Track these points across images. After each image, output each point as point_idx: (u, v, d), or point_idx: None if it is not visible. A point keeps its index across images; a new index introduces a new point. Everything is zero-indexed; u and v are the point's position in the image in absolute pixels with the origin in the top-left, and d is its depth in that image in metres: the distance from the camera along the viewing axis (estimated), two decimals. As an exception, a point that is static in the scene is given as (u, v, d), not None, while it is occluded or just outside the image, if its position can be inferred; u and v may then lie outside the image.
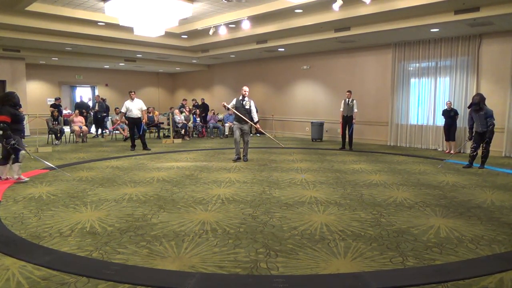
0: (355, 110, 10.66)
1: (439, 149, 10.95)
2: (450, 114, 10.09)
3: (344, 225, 4.22)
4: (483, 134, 7.73)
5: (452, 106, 10.20)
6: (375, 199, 5.36)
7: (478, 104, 7.66)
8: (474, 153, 7.91)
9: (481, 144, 7.86)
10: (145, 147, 10.63)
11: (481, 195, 5.69)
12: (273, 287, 2.84)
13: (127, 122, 10.95)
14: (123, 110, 10.47)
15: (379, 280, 2.97)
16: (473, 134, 7.92)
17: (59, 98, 14.23)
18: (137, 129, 10.50)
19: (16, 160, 6.30)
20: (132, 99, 10.38)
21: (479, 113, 7.67)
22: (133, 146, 10.70)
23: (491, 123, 7.60)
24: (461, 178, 6.96)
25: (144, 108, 10.71)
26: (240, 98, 8.66)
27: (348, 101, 10.63)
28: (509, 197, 5.56)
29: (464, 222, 4.36)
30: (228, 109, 8.85)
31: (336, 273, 3.08)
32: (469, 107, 7.94)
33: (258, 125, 8.96)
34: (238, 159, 8.77)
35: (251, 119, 8.64)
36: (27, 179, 6.48)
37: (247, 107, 8.59)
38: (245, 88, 8.73)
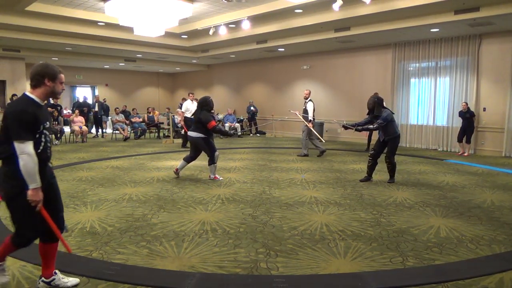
0: None
1: (439, 149, 10.95)
2: (465, 116, 9.74)
3: (344, 225, 4.22)
4: (384, 143, 6.46)
5: (467, 107, 9.76)
6: (375, 199, 5.36)
7: (372, 111, 6.40)
8: (370, 163, 6.54)
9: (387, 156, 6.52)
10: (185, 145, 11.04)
11: (481, 195, 5.69)
12: (273, 287, 2.85)
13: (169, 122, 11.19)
14: (183, 109, 10.93)
15: (379, 280, 2.97)
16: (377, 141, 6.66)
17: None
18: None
19: (212, 161, 6.60)
20: (192, 101, 10.94)
21: (378, 121, 6.32)
22: (185, 144, 11.03)
23: (377, 123, 6.28)
24: (461, 178, 6.96)
25: None
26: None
27: None
28: (509, 197, 5.56)
29: (464, 222, 4.36)
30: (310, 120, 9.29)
31: (336, 273, 3.08)
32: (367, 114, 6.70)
33: (310, 124, 9.18)
34: (323, 151, 9.51)
35: (307, 118, 9.25)
36: (221, 178, 6.75)
37: (304, 107, 9.38)
38: (305, 91, 9.55)
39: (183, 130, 11.32)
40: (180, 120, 12.38)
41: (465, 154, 9.95)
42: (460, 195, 5.65)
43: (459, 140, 10.05)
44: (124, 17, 9.16)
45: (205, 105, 6.50)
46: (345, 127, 7.08)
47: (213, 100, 6.68)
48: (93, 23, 10.94)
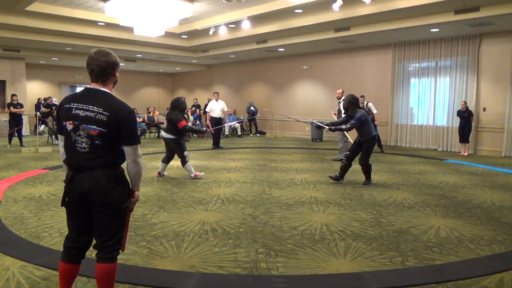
0: (375, 111, 10.14)
1: (439, 149, 10.94)
2: (463, 115, 9.67)
3: (344, 225, 4.22)
4: (360, 145, 6.22)
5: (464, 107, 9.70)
6: (375, 199, 5.36)
7: (347, 111, 6.27)
8: (344, 164, 6.27)
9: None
10: (217, 145, 11.02)
11: (481, 195, 5.69)
12: (273, 287, 2.85)
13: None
14: (208, 109, 11.11)
15: (379, 280, 2.97)
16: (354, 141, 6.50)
17: (50, 97, 14.47)
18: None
19: (184, 162, 6.61)
20: (217, 100, 11.04)
21: (351, 121, 6.14)
22: (216, 144, 11.06)
23: (350, 124, 6.11)
24: (461, 178, 6.96)
25: (226, 109, 11.41)
26: None
27: (363, 105, 10.35)
28: (509, 197, 5.56)
29: (464, 222, 4.36)
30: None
31: (336, 273, 3.08)
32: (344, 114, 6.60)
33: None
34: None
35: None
36: (202, 173, 6.84)
37: (338, 107, 8.84)
38: (338, 91, 9.08)
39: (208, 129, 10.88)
40: (207, 121, 12.04)
41: (465, 154, 9.91)
42: (460, 195, 5.65)
43: (461, 140, 9.96)
44: (124, 17, 9.16)
45: (176, 106, 6.63)
46: (318, 127, 6.95)
47: (185, 101, 6.87)
48: (93, 23, 10.94)
